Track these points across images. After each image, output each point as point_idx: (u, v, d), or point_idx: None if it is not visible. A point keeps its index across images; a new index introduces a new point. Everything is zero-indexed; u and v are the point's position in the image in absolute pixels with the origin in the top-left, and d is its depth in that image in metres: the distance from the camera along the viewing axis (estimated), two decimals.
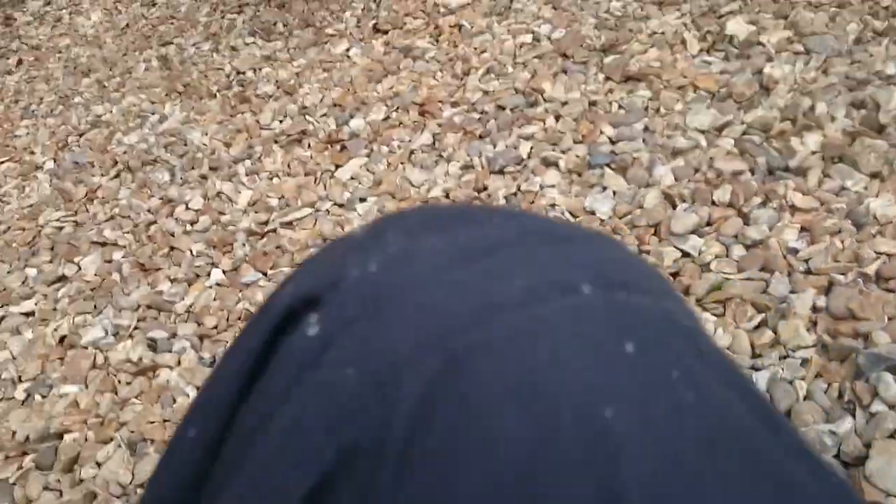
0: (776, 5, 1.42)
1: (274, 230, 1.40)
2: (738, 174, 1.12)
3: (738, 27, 1.39)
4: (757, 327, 0.91)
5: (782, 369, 0.85)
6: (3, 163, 2.03)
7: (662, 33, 1.49)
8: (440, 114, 1.54)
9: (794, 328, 0.88)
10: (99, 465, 1.09)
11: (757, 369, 0.86)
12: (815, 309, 0.90)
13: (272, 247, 1.36)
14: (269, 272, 1.31)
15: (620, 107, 1.36)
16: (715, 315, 0.95)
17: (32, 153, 2.03)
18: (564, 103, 1.42)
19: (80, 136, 2.01)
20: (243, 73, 2.01)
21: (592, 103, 1.39)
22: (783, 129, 1.16)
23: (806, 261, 0.96)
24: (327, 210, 1.40)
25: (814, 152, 1.10)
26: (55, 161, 1.95)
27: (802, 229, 1.00)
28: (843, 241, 0.96)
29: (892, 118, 1.08)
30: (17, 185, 1.90)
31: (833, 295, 0.89)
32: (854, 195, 1.02)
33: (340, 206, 1.40)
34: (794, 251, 0.98)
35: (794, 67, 1.28)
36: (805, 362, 0.85)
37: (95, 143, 1.94)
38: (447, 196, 1.31)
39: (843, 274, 0.91)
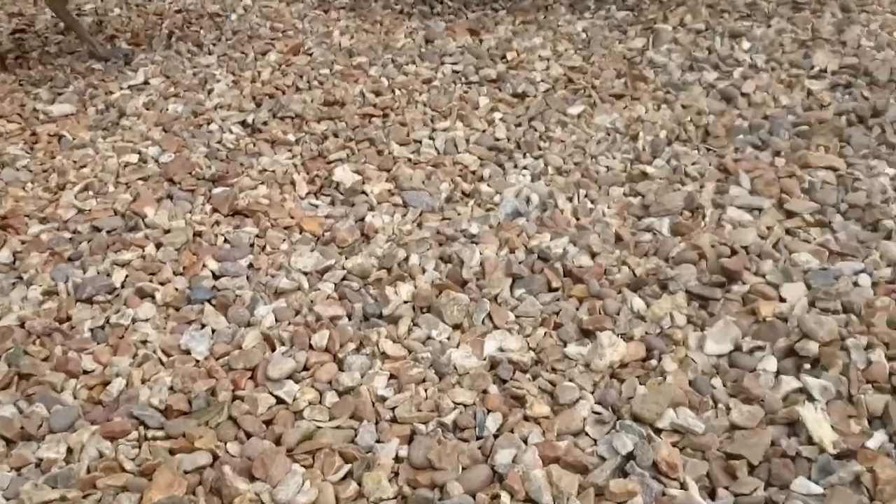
0: (380, 158, 1.52)
1: None
2: (337, 319, 1.14)
3: (344, 175, 1.45)
4: (343, 479, 0.91)
5: None
6: None
7: (273, 171, 1.50)
8: (25, 230, 1.38)
9: (377, 479, 0.89)
10: None
11: None
12: (397, 459, 0.92)
13: None
14: None
15: (226, 240, 1.33)
16: (304, 466, 0.93)
17: None
18: (167, 231, 1.35)
19: None
20: None
21: (197, 234, 1.34)
22: (379, 277, 1.22)
23: (392, 409, 0.99)
24: None
25: (405, 301, 1.16)
26: None
27: (391, 377, 1.04)
28: (426, 390, 1.01)
29: (472, 274, 1.19)
30: None
31: (414, 444, 0.92)
32: (438, 345, 1.08)
33: None
34: (383, 399, 1.00)
35: (393, 219, 1.36)
36: None
37: None
38: (22, 325, 1.16)
39: (424, 423, 0.95)
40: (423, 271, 1.22)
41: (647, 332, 1.05)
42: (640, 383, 0.97)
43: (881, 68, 1.62)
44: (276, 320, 1.16)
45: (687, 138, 1.49)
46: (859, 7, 1.96)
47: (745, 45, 1.81)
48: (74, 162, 1.59)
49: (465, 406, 0.98)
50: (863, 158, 1.36)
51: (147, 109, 1.78)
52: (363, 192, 1.43)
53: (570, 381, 0.99)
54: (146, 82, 1.91)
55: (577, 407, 0.96)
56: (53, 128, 1.73)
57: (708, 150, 1.45)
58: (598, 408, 0.96)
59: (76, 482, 0.92)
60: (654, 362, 1.01)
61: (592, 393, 0.98)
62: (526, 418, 0.95)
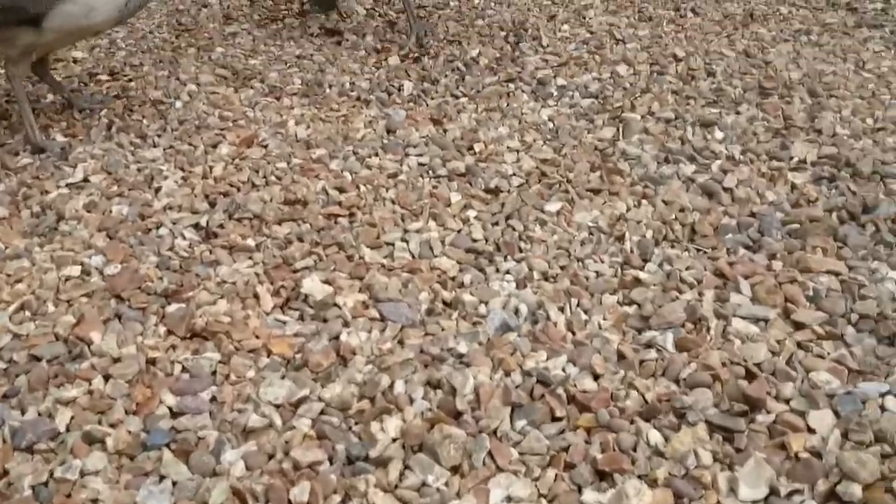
0: (351, 265, 1.41)
1: None
2: (317, 465, 1.01)
3: (313, 286, 1.34)
4: None
5: None
6: None
7: (234, 283, 1.38)
8: None
9: None
10: None
11: None
12: None
13: None
14: None
15: (184, 369, 1.19)
16: None
17: None
18: (117, 360, 1.21)
19: None
20: None
21: (151, 362, 1.20)
22: (362, 409, 1.10)
23: None
24: None
25: (394, 439, 1.04)
26: None
27: None
28: None
29: (467, 403, 1.08)
30: None
31: None
32: (436, 493, 0.96)
33: None
34: None
35: (371, 336, 1.25)
36: None
37: None
38: None
39: None
40: (412, 401, 1.11)
41: (670, 474, 0.95)
42: None
43: (862, 159, 1.59)
44: (247, 468, 1.02)
45: (675, 238, 1.42)
46: (827, 92, 1.96)
47: (719, 134, 1.77)
48: (8, 276, 1.43)
49: None
50: (862, 260, 1.31)
51: (88, 212, 1.63)
52: (335, 305, 1.31)
53: None
54: (86, 179, 1.77)
55: None
56: None
57: (698, 250, 1.38)
58: None
59: None
60: None
61: None
62: None
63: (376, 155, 1.82)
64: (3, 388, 1.16)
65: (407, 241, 1.48)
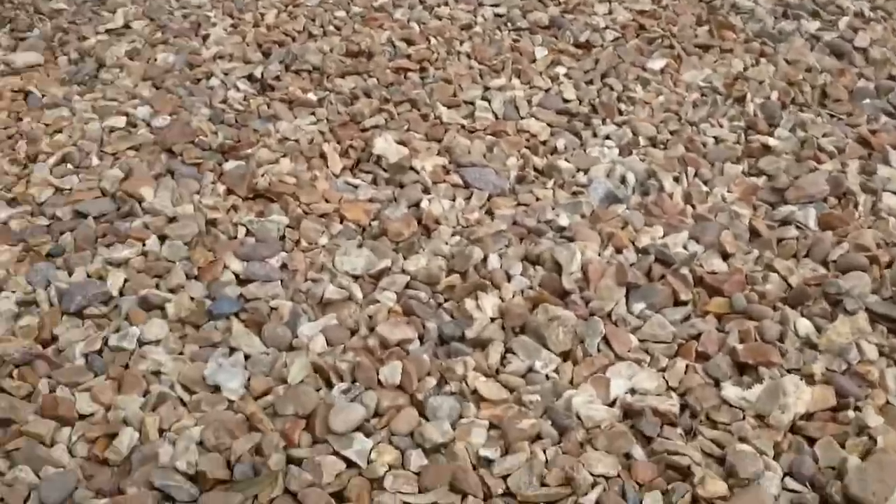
0: (426, 125, 1.25)
1: None
2: (406, 343, 0.88)
3: (386, 146, 1.18)
4: None
5: None
6: None
7: (296, 140, 1.22)
8: None
9: None
10: None
11: None
12: None
13: None
14: None
15: (249, 232, 1.06)
16: None
17: None
18: (172, 219, 1.07)
19: None
20: None
21: (211, 223, 1.07)
22: (452, 284, 0.96)
23: (504, 478, 0.74)
24: None
25: (493, 319, 0.91)
26: None
27: (492, 426, 0.79)
28: (545, 451, 0.76)
29: (574, 283, 0.93)
30: None
31: None
32: (547, 382, 0.84)
33: None
34: (488, 462, 0.76)
35: (455, 204, 1.10)
36: None
37: None
38: None
39: (553, 502, 0.71)
40: (509, 278, 0.97)
41: (828, 369, 0.81)
42: (842, 447, 0.74)
43: None
44: (328, 344, 0.90)
45: (804, 102, 1.24)
46: None
47: None
48: (46, 125, 1.29)
49: (606, 479, 0.73)
50: None
51: (131, 59, 1.47)
52: (412, 169, 1.16)
53: (743, 440, 0.75)
54: (127, 25, 1.60)
55: (764, 482, 0.71)
56: (17, 81, 1.42)
57: (832, 116, 1.21)
58: (793, 483, 0.72)
59: None
60: (849, 413, 0.77)
61: (777, 459, 0.74)
62: (696, 500, 0.71)
63: (446, 4, 1.62)
64: (47, 246, 1.04)
65: (489, 101, 1.31)
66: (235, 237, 1.06)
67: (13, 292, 0.97)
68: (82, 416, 0.83)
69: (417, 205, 1.10)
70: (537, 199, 1.10)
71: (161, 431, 0.81)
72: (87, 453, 0.80)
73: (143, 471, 0.77)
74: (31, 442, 0.80)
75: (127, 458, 0.78)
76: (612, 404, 0.81)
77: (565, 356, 0.87)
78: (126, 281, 0.98)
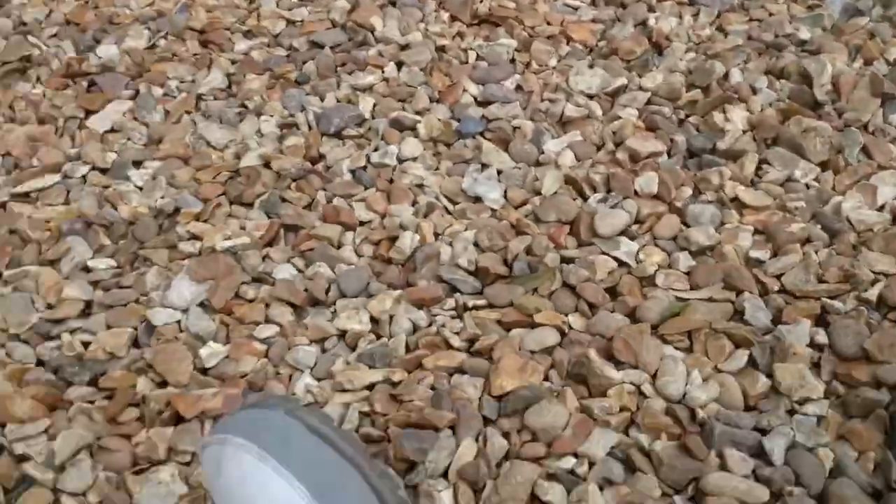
0: None
1: (2, 205, 0.96)
2: (655, 156, 0.92)
3: None
4: (743, 370, 0.72)
5: (793, 430, 0.66)
6: None
7: None
8: (230, 46, 1.16)
9: (796, 373, 0.69)
10: None
11: (763, 431, 0.67)
12: (814, 345, 0.72)
13: (2, 231, 0.92)
14: (5, 272, 0.88)
15: (480, 57, 1.09)
16: (681, 350, 0.74)
17: None
18: (405, 47, 1.11)
19: None
20: None
21: (441, 49, 1.11)
22: (694, 99, 0.98)
23: (778, 277, 0.78)
24: (83, 177, 0.98)
25: (744, 131, 0.93)
26: None
27: (757, 231, 0.83)
28: (816, 252, 0.79)
29: (825, 94, 0.93)
30: None
31: (835, 328, 0.72)
32: (810, 190, 0.86)
33: (103, 171, 0.99)
34: (758, 262, 0.80)
35: (683, 21, 1.10)
36: (822, 420, 0.67)
37: None
38: (267, 165, 0.96)
39: (834, 298, 0.75)
40: (755, 91, 0.97)
41: None
42: None
43: None
44: (577, 158, 0.94)
45: None
46: None
47: None
48: None
49: (885, 276, 0.76)
50: None
51: None
52: None
53: None
54: None
55: None
56: None
57: None
58: None
59: (397, 361, 0.76)
60: None
61: None
62: None
63: None
64: (293, 74, 1.10)
65: None
66: (467, 62, 1.10)
67: (271, 116, 1.05)
68: (362, 223, 0.91)
69: (644, 23, 1.11)
70: (770, 14, 1.08)
71: (436, 235, 0.88)
72: (373, 253, 0.88)
73: (429, 267, 0.84)
74: (321, 243, 0.88)
75: (410, 257, 0.86)
76: (880, 209, 0.82)
77: (824, 166, 0.88)
78: (375, 105, 1.04)
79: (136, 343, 0.82)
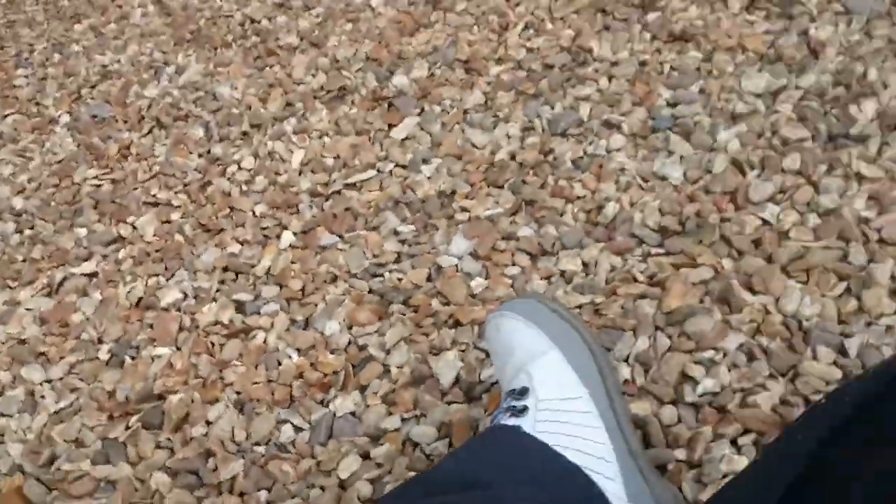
0: None
1: (338, 191, 1.44)
2: (802, 141, 1.21)
3: None
4: (840, 295, 1.02)
5: (868, 337, 0.96)
6: (9, 115, 1.99)
7: None
8: (487, 71, 1.58)
9: (877, 297, 0.99)
10: (209, 423, 1.15)
11: (847, 336, 0.97)
12: (894, 278, 1.01)
13: (341, 209, 1.41)
14: (346, 234, 1.36)
15: (672, 68, 1.43)
16: (800, 283, 1.05)
17: (41, 105, 1.99)
18: (614, 63, 1.48)
19: (92, 87, 1.98)
20: (257, 21, 1.99)
21: (643, 63, 1.45)
22: (837, 96, 1.25)
23: (878, 230, 1.06)
24: (390, 171, 1.45)
25: (872, 119, 1.19)
26: (70, 114, 1.92)
27: (870, 198, 1.11)
28: None
29: None
30: (34, 139, 1.88)
31: None
32: None
33: (403, 167, 1.45)
34: (866, 220, 1.08)
35: (838, 29, 1.36)
36: (889, 329, 0.96)
37: (111, 96, 1.92)
38: (513, 158, 1.37)
39: None
40: (885, 86, 1.23)
41: None
42: None
43: None
44: (742, 144, 1.26)
45: None
46: None
47: None
48: (507, 1, 1.74)
49: None
50: None
51: None
52: (800, 3, 1.43)
53: None
54: None
55: None
56: None
57: None
58: None
59: (599, 290, 1.14)
60: None
61: None
62: None
63: None
64: (532, 90, 1.50)
65: None
66: (662, 73, 1.44)
67: (516, 122, 1.46)
68: (578, 197, 1.29)
69: (806, 32, 1.38)
70: None
71: (631, 204, 1.24)
72: (586, 219, 1.26)
73: (624, 227, 1.21)
74: (550, 212, 1.28)
75: (612, 221, 1.23)
76: None
77: None
78: (591, 110, 1.42)
79: (429, 278, 1.26)
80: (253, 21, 1.98)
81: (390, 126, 1.54)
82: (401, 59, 1.68)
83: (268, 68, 1.81)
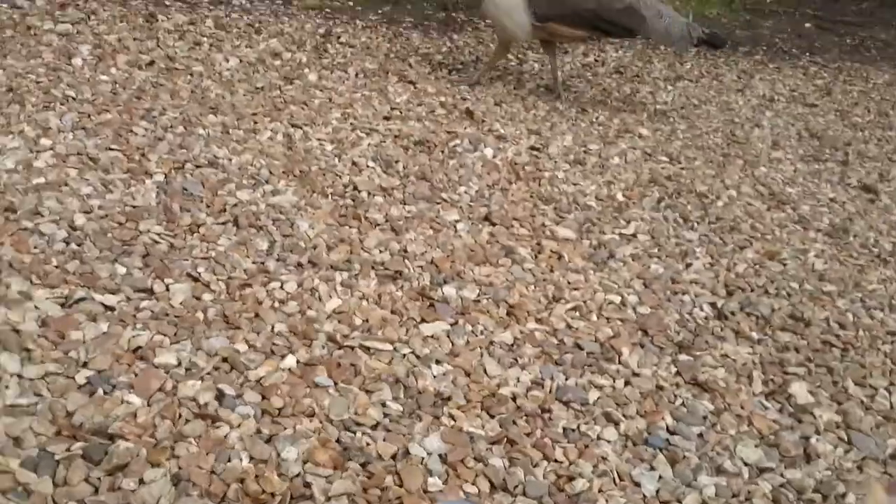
0: (834, 388, 1.64)
1: (353, 347, 1.53)
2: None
3: (799, 391, 1.60)
4: None
5: None
6: (114, 150, 2.15)
7: (734, 360, 1.69)
8: (525, 322, 1.71)
9: None
10: (142, 482, 1.16)
11: None
12: None
13: (347, 362, 1.48)
14: (341, 384, 1.42)
15: (684, 404, 1.54)
16: None
17: (145, 157, 2.15)
18: (636, 374, 1.59)
19: (197, 167, 2.15)
20: (359, 190, 2.19)
21: (660, 388, 1.57)
22: (813, 500, 1.33)
23: None
24: (404, 354, 1.54)
25: None
26: (166, 176, 2.07)
27: None
28: None
29: None
30: (124, 179, 2.01)
31: None
32: None
33: (417, 356, 1.54)
34: None
35: (836, 452, 1.47)
36: None
37: (208, 182, 2.07)
38: (514, 399, 1.46)
39: None
40: None
41: None
42: None
43: None
44: (717, 495, 1.33)
45: None
46: None
47: None
48: (569, 283, 1.91)
49: None
50: None
51: (633, 260, 2.07)
52: (812, 414, 1.56)
53: None
54: (635, 235, 2.22)
55: None
56: (555, 245, 2.07)
57: None
58: None
59: None
60: None
61: None
62: None
63: (881, 310, 2.00)
64: (556, 356, 1.62)
65: (890, 393, 1.66)
66: (673, 403, 1.54)
67: (530, 373, 1.55)
68: (556, 461, 1.35)
69: (807, 438, 1.49)
70: None
71: (600, 491, 1.30)
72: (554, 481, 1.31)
73: None
74: (524, 459, 1.34)
75: (577, 495, 1.28)
76: None
77: None
78: (598, 398, 1.51)
79: (394, 457, 1.30)
80: (356, 188, 2.17)
81: (423, 320, 1.65)
82: (458, 277, 1.83)
83: (347, 227, 1.96)
